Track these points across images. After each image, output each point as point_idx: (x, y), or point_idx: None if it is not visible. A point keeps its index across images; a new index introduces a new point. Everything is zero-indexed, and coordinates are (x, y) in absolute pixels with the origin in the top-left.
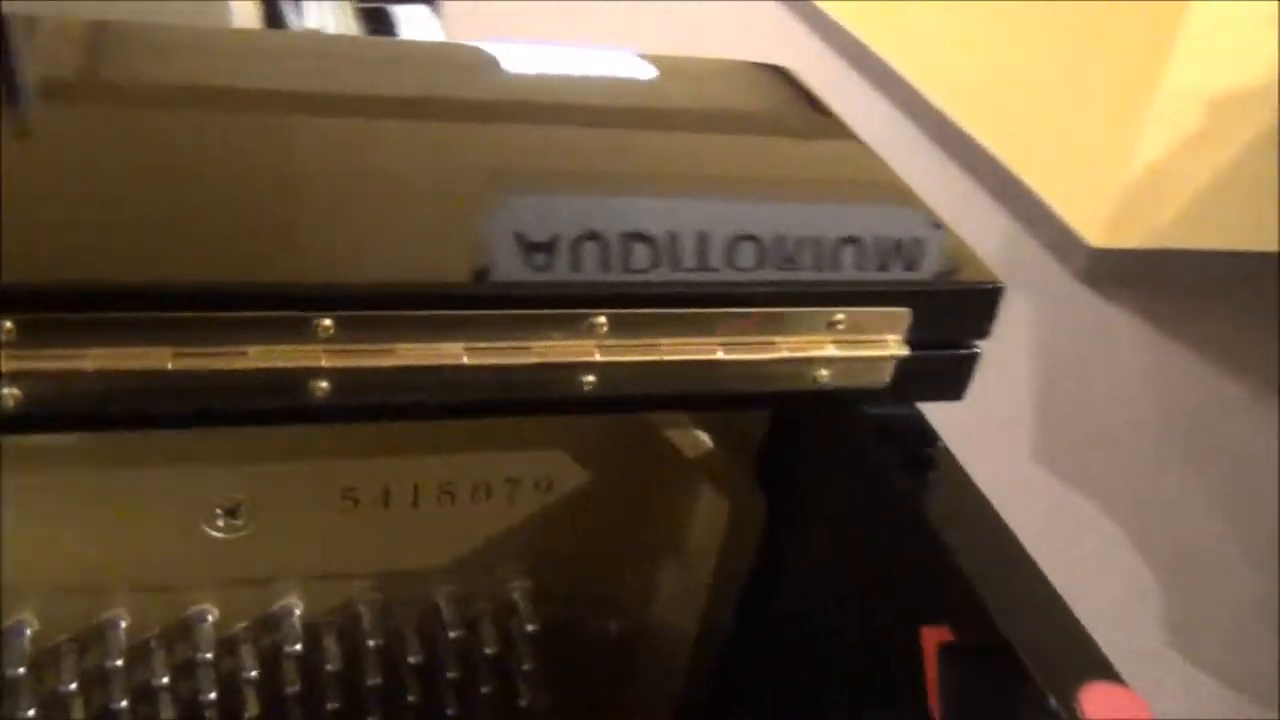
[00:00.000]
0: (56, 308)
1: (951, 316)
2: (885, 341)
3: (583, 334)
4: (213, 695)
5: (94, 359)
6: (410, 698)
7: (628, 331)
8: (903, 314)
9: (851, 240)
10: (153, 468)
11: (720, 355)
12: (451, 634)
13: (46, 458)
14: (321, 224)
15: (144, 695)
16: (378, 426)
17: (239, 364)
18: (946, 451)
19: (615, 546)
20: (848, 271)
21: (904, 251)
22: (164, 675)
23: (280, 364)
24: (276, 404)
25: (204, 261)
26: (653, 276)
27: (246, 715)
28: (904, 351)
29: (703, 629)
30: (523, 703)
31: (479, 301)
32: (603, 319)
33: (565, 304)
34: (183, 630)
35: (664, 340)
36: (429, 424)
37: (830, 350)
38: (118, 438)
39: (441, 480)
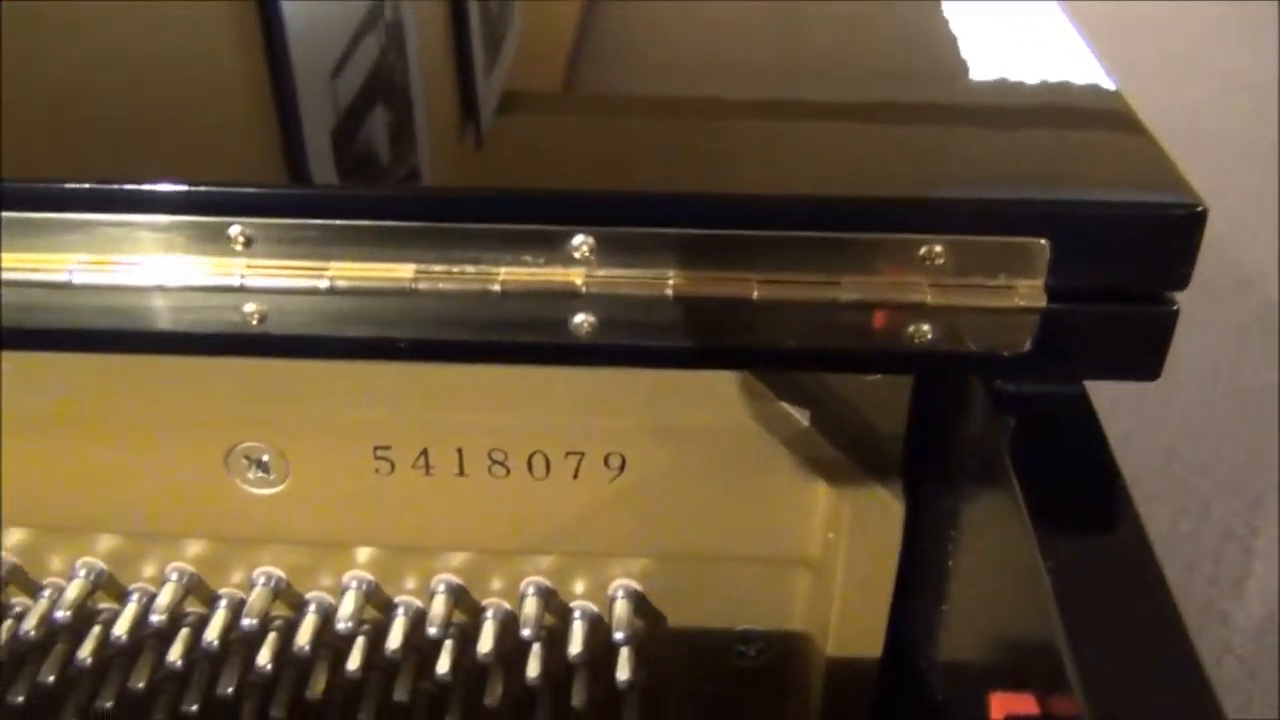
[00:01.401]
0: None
1: (1127, 254)
2: (1013, 288)
3: (568, 259)
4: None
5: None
6: (488, 700)
7: (616, 256)
8: (1037, 247)
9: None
10: (173, 404)
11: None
12: (526, 632)
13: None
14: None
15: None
16: (416, 373)
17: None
18: (1108, 463)
19: (705, 545)
20: (950, 184)
21: (1046, 156)
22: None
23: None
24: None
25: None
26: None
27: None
28: (1040, 303)
29: (831, 656)
30: None
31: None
32: (590, 241)
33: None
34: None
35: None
36: (473, 375)
37: (925, 295)
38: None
39: (490, 445)
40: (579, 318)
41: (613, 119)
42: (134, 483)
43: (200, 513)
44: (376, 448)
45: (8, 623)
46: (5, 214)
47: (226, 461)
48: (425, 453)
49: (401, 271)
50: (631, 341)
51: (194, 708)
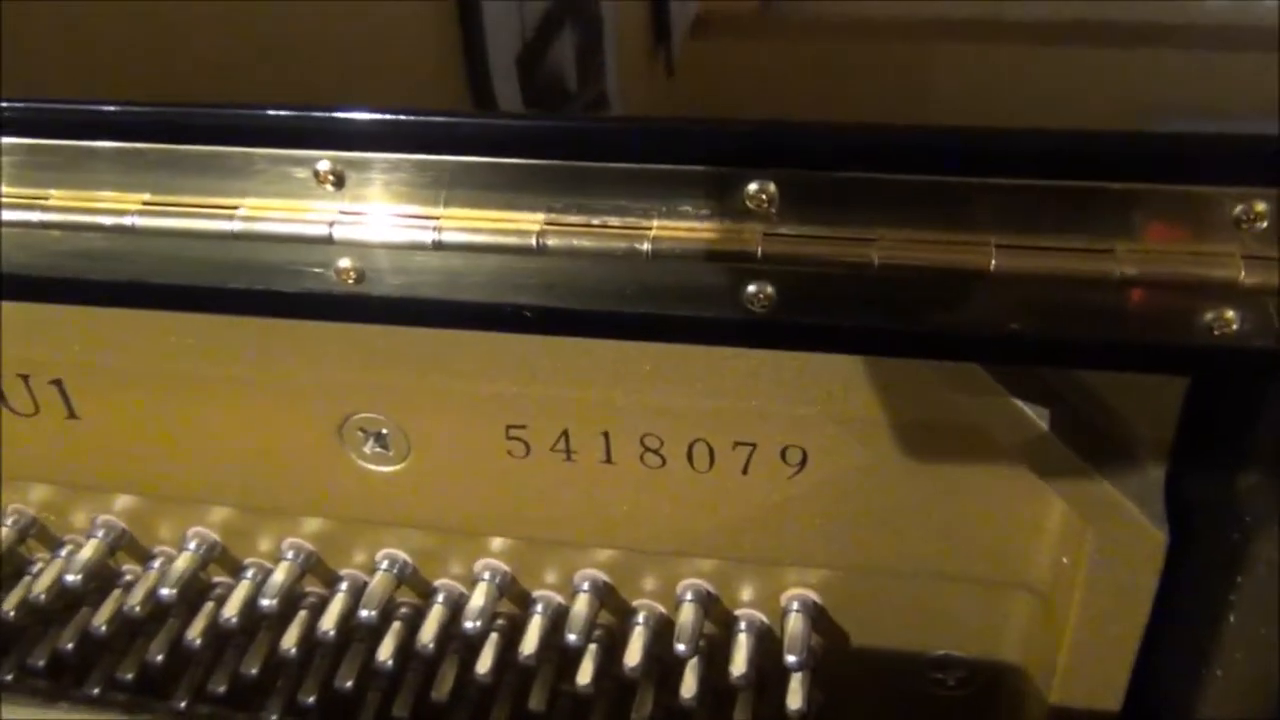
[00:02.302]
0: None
1: None
2: None
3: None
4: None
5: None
6: (637, 714)
7: (804, 208)
8: None
9: None
10: (281, 366)
11: None
12: (680, 648)
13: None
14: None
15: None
16: (554, 343)
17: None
18: None
19: (900, 557)
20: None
21: None
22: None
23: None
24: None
25: None
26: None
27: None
28: None
29: (1055, 710)
30: None
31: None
32: (771, 188)
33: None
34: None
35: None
36: (606, 351)
37: (1236, 270)
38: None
39: (642, 431)
40: (753, 287)
41: (819, 42)
42: (245, 452)
43: (315, 488)
44: (509, 427)
45: (115, 593)
46: (52, 141)
47: (341, 434)
48: (565, 435)
49: (527, 221)
50: (821, 321)
51: (311, 699)
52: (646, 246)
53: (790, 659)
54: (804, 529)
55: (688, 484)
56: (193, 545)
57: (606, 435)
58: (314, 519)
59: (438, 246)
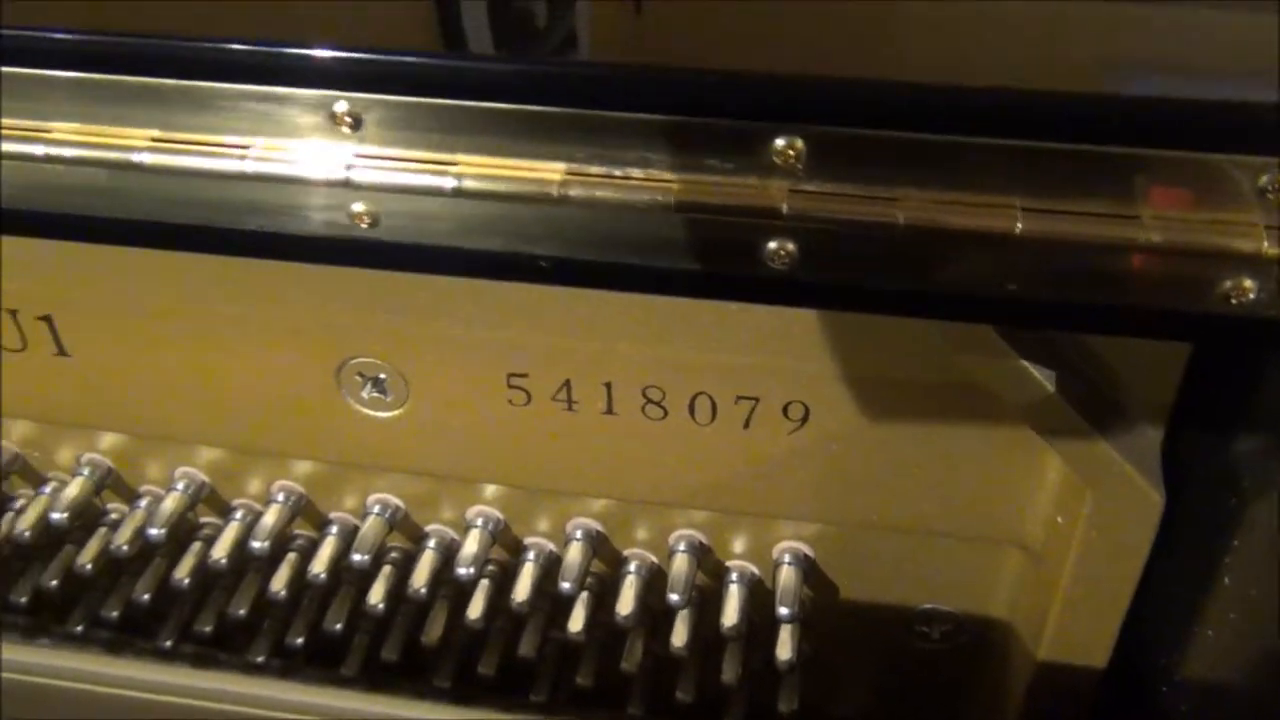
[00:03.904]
0: None
1: None
2: None
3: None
4: (378, 606)
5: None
6: (625, 665)
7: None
8: None
9: None
10: (280, 306)
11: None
12: (673, 598)
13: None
14: None
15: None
16: (560, 291)
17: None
18: None
19: (925, 519)
20: None
21: None
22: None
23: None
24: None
25: None
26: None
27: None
28: None
29: (1042, 664)
30: (782, 708)
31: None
32: (799, 144)
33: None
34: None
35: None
36: (619, 302)
37: (1259, 241)
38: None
39: (645, 383)
40: (774, 244)
41: None
42: (238, 392)
43: (309, 431)
44: (511, 375)
45: (101, 531)
46: (58, 72)
47: (338, 377)
48: (567, 385)
49: (548, 171)
50: (842, 279)
51: (299, 640)
52: (670, 199)
53: (782, 610)
54: (800, 483)
55: (688, 437)
56: (181, 485)
57: (609, 386)
58: (306, 462)
59: (457, 193)
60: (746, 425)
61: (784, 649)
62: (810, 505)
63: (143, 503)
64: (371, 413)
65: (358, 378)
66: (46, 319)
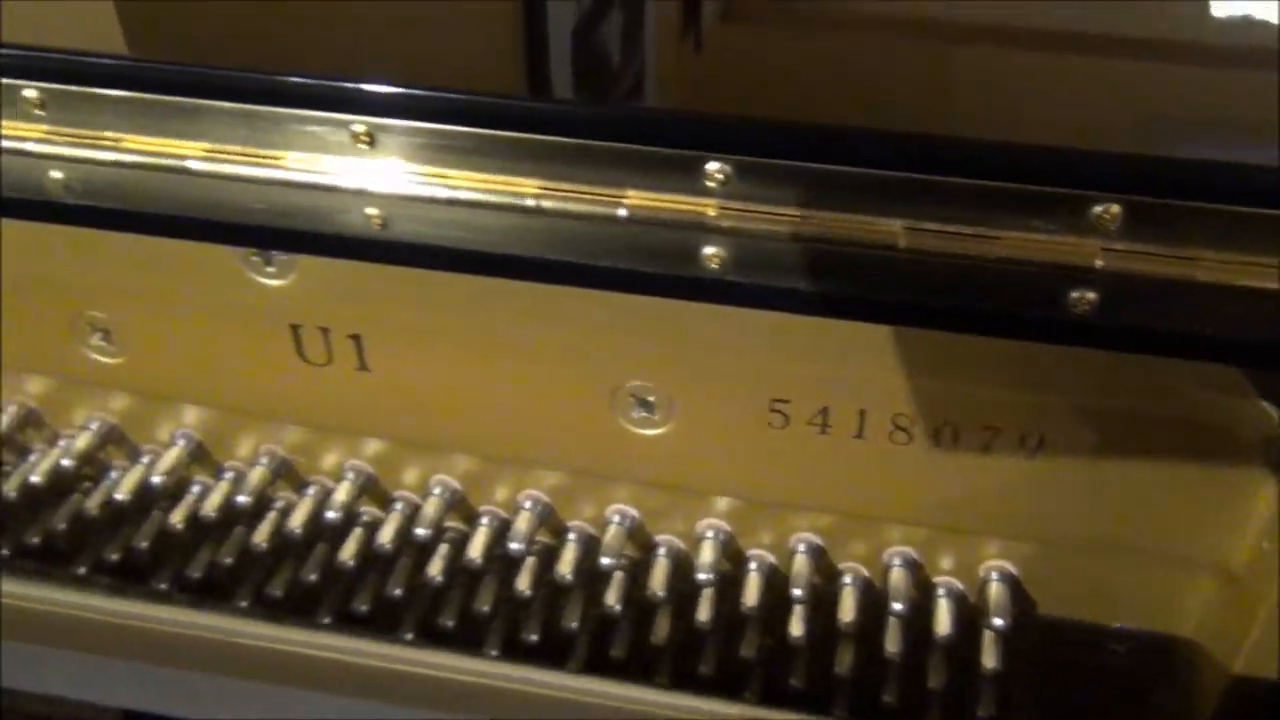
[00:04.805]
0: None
1: None
2: None
3: (1084, 228)
4: (616, 607)
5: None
6: (838, 669)
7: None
8: None
9: None
10: (562, 334)
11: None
12: (896, 606)
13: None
14: None
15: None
16: (827, 326)
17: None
18: None
19: (1129, 541)
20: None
21: None
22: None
23: (670, 210)
24: (665, 269)
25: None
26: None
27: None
28: None
29: (1237, 680)
30: (981, 714)
31: (925, 162)
32: (1115, 209)
33: (1065, 181)
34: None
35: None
36: (885, 335)
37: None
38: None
39: (896, 410)
40: (1076, 293)
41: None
42: (511, 406)
43: (569, 443)
44: (774, 400)
45: (356, 531)
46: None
47: (613, 396)
48: (825, 410)
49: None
50: (1144, 325)
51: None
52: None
53: (997, 622)
54: (1021, 505)
55: (926, 460)
56: (437, 491)
57: (863, 413)
58: (556, 472)
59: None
60: (986, 451)
61: (989, 657)
62: (1023, 524)
63: (398, 506)
64: (637, 430)
65: (630, 398)
66: (355, 337)
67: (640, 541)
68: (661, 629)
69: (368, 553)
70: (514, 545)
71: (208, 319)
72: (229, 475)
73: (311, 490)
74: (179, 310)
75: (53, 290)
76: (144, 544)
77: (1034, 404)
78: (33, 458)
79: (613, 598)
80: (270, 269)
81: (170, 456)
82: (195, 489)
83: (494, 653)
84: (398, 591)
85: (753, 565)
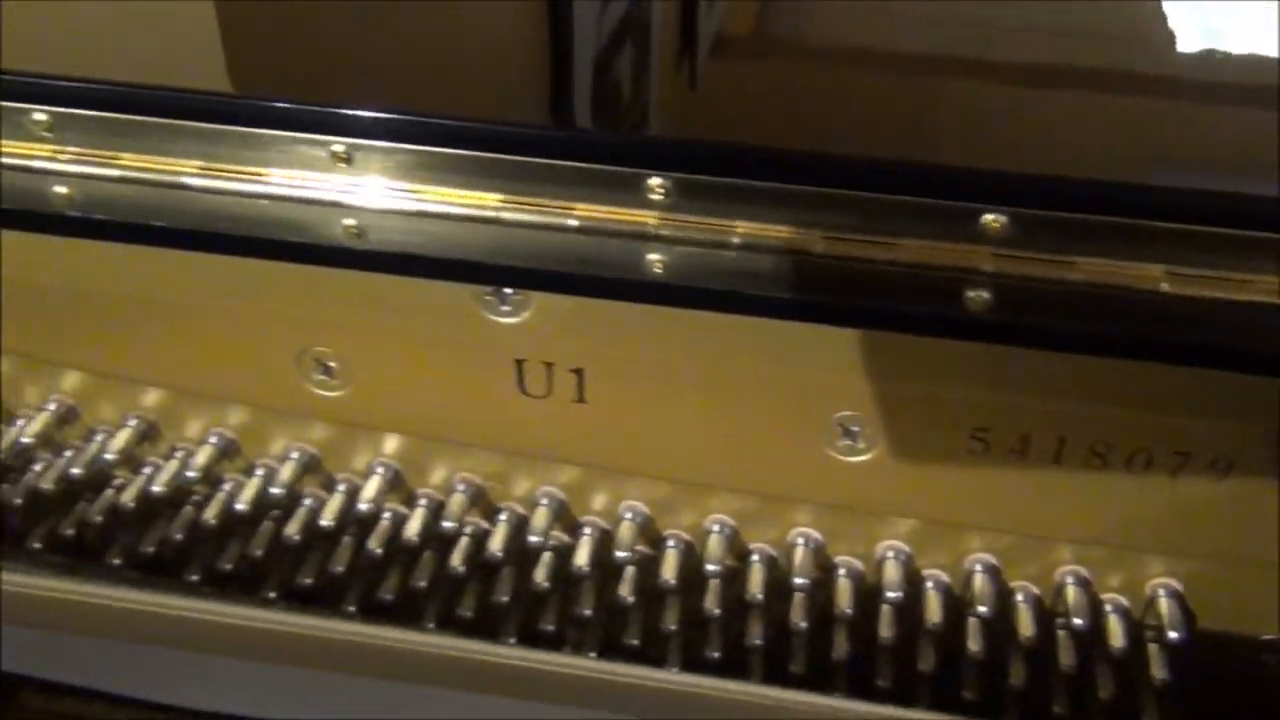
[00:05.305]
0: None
1: None
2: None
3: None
4: (801, 624)
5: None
6: (1013, 681)
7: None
8: None
9: None
10: (778, 365)
11: None
12: (1075, 621)
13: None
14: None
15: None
16: (1027, 358)
17: (889, 255)
18: None
19: (1273, 552)
20: None
21: None
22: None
23: (937, 261)
24: (924, 309)
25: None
26: None
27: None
28: None
29: None
30: None
31: (1188, 214)
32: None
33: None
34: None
35: None
36: (1091, 366)
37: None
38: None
39: (1094, 438)
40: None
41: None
42: (716, 435)
43: (776, 471)
44: (975, 429)
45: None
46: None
47: (823, 427)
48: (1026, 438)
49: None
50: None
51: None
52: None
53: (1173, 635)
54: (1197, 525)
55: (1116, 484)
56: (628, 516)
57: (1063, 440)
58: (745, 496)
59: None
60: (1174, 476)
61: (1160, 669)
62: (1195, 543)
63: (588, 531)
64: (839, 457)
65: (838, 428)
66: (577, 371)
67: (820, 564)
68: (841, 646)
69: (563, 575)
70: (709, 567)
71: (433, 354)
72: (423, 503)
73: (504, 515)
74: (406, 346)
75: (281, 325)
76: (340, 567)
77: (1227, 430)
78: (226, 488)
79: (797, 615)
80: (505, 307)
81: (372, 485)
82: (386, 516)
83: (675, 669)
84: (587, 611)
85: (930, 584)
